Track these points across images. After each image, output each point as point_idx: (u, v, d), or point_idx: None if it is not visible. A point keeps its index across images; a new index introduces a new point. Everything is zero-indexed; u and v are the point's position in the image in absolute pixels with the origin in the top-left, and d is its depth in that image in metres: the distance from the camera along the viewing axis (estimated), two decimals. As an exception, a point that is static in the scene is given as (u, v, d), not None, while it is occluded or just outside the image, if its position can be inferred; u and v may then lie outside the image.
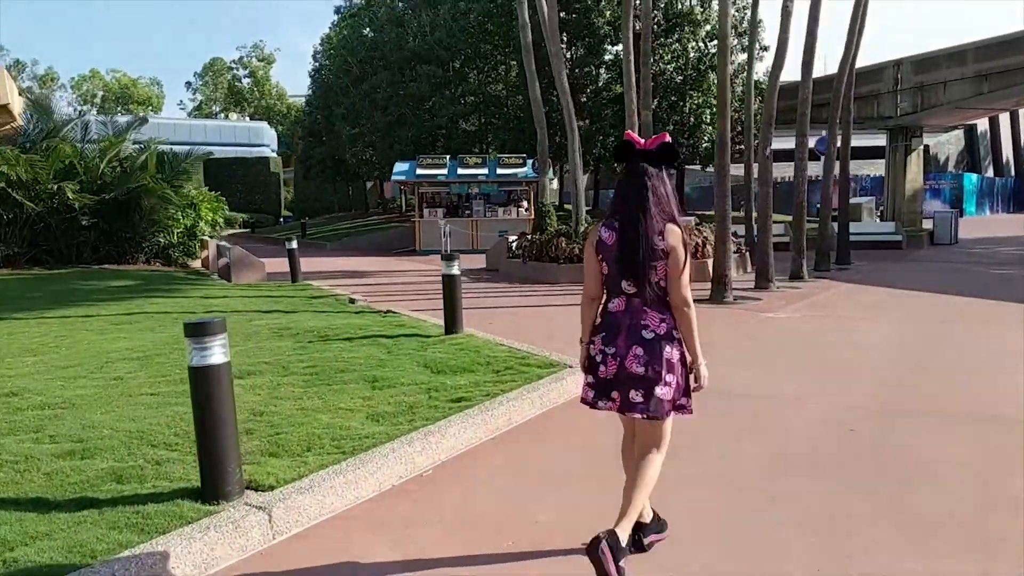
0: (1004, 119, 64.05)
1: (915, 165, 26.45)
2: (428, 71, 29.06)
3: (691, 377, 3.15)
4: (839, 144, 17.53)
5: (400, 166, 24.98)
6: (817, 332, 9.00)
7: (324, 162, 41.35)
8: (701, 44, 27.33)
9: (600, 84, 28.45)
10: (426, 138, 29.77)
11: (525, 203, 24.50)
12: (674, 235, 3.01)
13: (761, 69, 33.91)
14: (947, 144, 60.69)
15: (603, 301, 3.20)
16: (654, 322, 3.05)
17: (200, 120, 70.93)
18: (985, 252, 21.09)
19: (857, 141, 40.74)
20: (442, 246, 22.43)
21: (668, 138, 3.17)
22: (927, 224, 25.92)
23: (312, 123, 43.01)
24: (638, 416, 3.07)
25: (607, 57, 28.92)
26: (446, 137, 29.94)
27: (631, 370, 3.03)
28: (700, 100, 28.18)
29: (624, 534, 2.95)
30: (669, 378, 3.04)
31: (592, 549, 2.86)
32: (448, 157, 24.69)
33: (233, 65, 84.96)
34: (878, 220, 27.24)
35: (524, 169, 23.76)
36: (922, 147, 26.66)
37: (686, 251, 3.04)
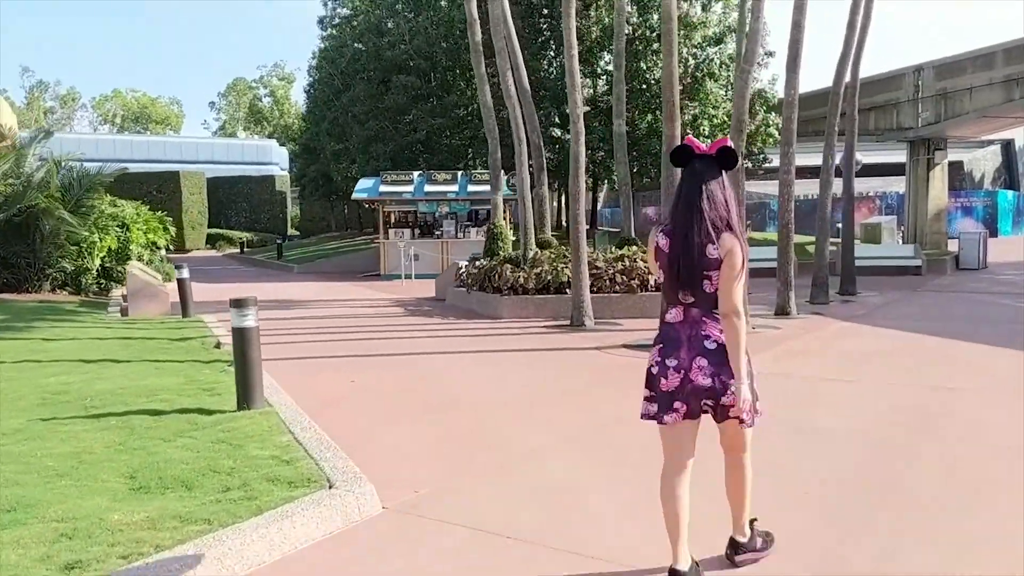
0: (1044, 133, 60.87)
1: (939, 181, 23.72)
2: (406, 82, 27.03)
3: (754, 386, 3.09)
4: (835, 156, 15.11)
5: (364, 183, 22.87)
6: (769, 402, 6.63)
7: (316, 180, 39.61)
8: (696, 50, 24.95)
9: (592, 95, 26.18)
10: (406, 153, 27.72)
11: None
12: (728, 242, 2.94)
13: (766, 77, 31.56)
14: (983, 160, 57.60)
15: (662, 311, 3.17)
16: (715, 332, 3.01)
17: (208, 139, 70.07)
18: (1017, 279, 18.40)
19: (882, 157, 38.16)
20: (403, 270, 20.30)
21: (729, 142, 3.07)
22: (953, 246, 23.20)
23: (306, 140, 41.34)
24: (720, 422, 3.09)
25: (598, 67, 26.68)
26: (427, 152, 27.85)
27: (696, 382, 2.98)
28: (698, 110, 25.82)
29: (746, 532, 3.27)
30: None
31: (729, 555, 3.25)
32: (417, 173, 22.54)
33: (254, 84, 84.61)
34: (900, 242, 24.58)
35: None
36: (946, 161, 23.90)
37: (743, 260, 2.95)
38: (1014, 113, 21.81)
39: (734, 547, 3.27)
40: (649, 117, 25.33)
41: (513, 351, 9.55)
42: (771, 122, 24.42)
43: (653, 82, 24.74)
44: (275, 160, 64.49)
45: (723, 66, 26.04)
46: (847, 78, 14.86)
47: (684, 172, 3.07)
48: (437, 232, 22.52)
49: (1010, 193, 43.75)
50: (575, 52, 11.69)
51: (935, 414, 6.01)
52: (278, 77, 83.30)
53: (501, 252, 14.85)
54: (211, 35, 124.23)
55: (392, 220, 23.06)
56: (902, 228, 26.46)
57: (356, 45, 29.10)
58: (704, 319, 3.01)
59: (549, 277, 12.98)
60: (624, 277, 12.85)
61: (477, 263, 14.70)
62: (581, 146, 11.83)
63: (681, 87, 25.67)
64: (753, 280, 11.04)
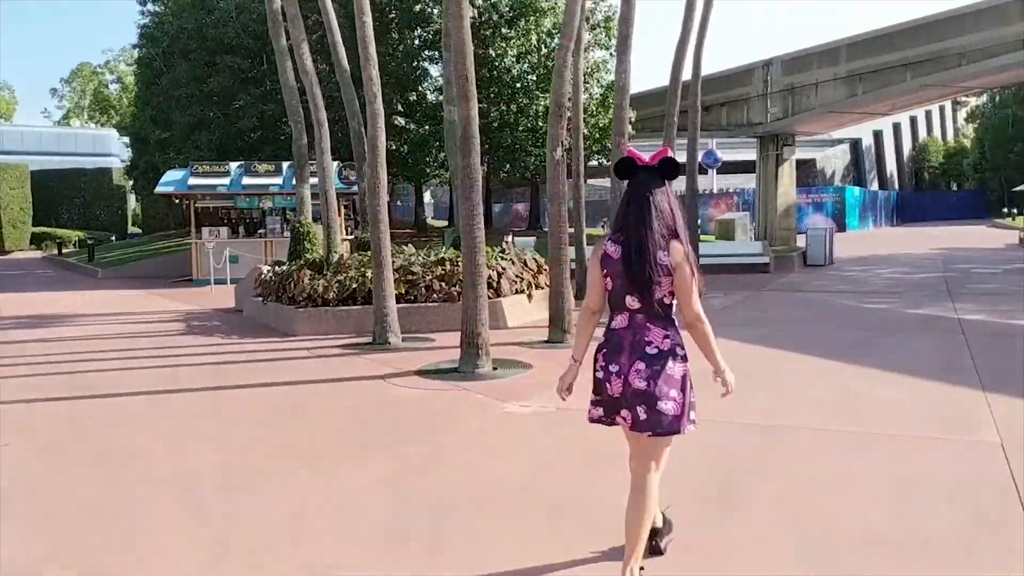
0: (888, 133, 64.10)
1: (787, 177, 23.46)
2: (233, 63, 24.44)
3: (694, 395, 3.13)
4: (698, 153, 14.08)
5: (171, 175, 20.20)
6: (545, 445, 5.13)
7: (147, 172, 35.98)
8: (547, 38, 23.70)
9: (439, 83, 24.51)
10: (237, 143, 25.13)
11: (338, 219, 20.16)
12: (678, 251, 3.00)
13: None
14: (834, 158, 59.98)
15: (608, 318, 3.19)
16: (657, 338, 3.05)
17: (35, 127, 63.74)
18: (861, 275, 18.08)
19: (745, 154, 38.44)
20: (212, 275, 17.94)
21: (670, 153, 3.12)
22: (803, 241, 22.98)
23: (137, 128, 37.56)
24: (645, 434, 3.04)
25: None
26: (262, 142, 25.34)
27: (634, 385, 3.00)
28: (550, 100, 24.63)
29: (635, 574, 3.03)
30: (673, 394, 3.01)
31: None
32: (236, 165, 20.10)
33: (100, 69, 77.85)
34: (752, 238, 24.21)
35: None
36: (794, 157, 23.67)
37: (691, 266, 3.01)
38: (857, 109, 21.73)
39: (654, 535, 3.22)
40: (502, 107, 23.89)
41: (276, 385, 7.70)
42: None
43: (504, 71, 23.32)
44: (115, 152, 59.44)
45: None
46: (688, 65, 13.84)
47: (630, 183, 3.11)
48: (261, 231, 20.21)
49: (856, 189, 45.33)
50: (367, 19, 10.00)
51: (746, 472, 4.64)
52: (127, 62, 77.20)
53: (309, 255, 12.94)
54: (56, 17, 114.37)
55: (214, 218, 20.53)
56: (755, 224, 26.24)
57: (178, 22, 26.17)
58: (648, 325, 3.05)
59: (355, 285, 11.17)
60: (444, 284, 11.23)
61: (278, 268, 12.72)
62: (380, 130, 10.11)
63: (534, 76, 24.51)
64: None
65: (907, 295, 13.99)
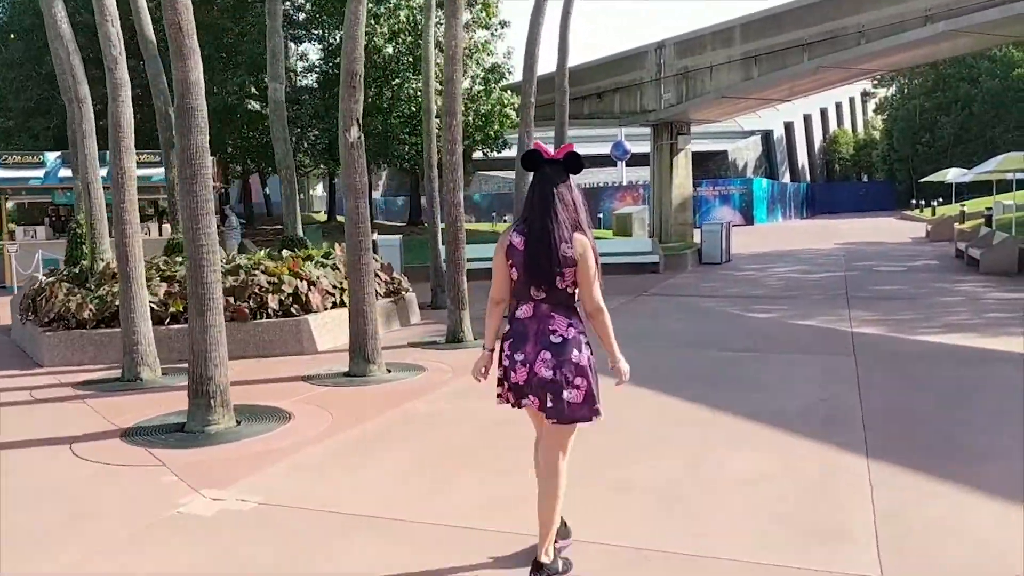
0: (799, 124, 64.14)
1: (683, 168, 21.87)
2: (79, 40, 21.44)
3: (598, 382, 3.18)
4: (625, 146, 12.19)
5: (-25, 167, 17.34)
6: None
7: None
8: (419, 17, 21.56)
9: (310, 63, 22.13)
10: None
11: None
12: (581, 243, 3.10)
13: (502, 49, 28.87)
14: (745, 150, 59.55)
15: (511, 308, 3.25)
16: (562, 327, 3.12)
17: None
18: (756, 275, 16.60)
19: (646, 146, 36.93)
20: (14, 283, 15.26)
21: (574, 147, 3.25)
22: (701, 237, 21.43)
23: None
24: (550, 421, 3.13)
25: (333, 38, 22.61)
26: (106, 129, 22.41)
27: (540, 374, 3.08)
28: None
29: (551, 554, 3.17)
30: (578, 381, 3.08)
31: None
32: (55, 155, 17.32)
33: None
34: (647, 235, 22.62)
35: (159, 170, 16.88)
36: (690, 147, 22.07)
37: (595, 258, 3.13)
38: (753, 93, 20.25)
39: (538, 569, 3.20)
40: (373, 92, 21.63)
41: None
42: (506, 101, 21.57)
43: (374, 51, 21.06)
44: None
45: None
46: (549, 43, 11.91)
47: (535, 176, 3.21)
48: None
49: (765, 181, 44.49)
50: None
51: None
52: None
53: (85, 263, 10.54)
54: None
55: (32, 215, 17.73)
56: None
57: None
58: (552, 315, 3.13)
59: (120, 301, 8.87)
60: (233, 299, 9.04)
61: (46, 279, 10.29)
62: (125, 105, 7.87)
63: (411, 58, 22.32)
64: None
65: (800, 300, 12.44)
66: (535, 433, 3.36)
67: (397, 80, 21.00)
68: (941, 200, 38.63)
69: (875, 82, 61.76)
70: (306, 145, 22.92)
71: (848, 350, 8.22)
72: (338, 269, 10.23)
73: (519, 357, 3.12)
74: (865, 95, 67.29)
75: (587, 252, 3.07)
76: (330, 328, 9.38)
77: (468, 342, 9.33)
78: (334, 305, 9.70)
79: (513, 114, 23.07)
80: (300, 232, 12.78)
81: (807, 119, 65.47)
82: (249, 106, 19.24)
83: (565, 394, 3.05)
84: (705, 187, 40.62)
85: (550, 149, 3.25)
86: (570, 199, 3.13)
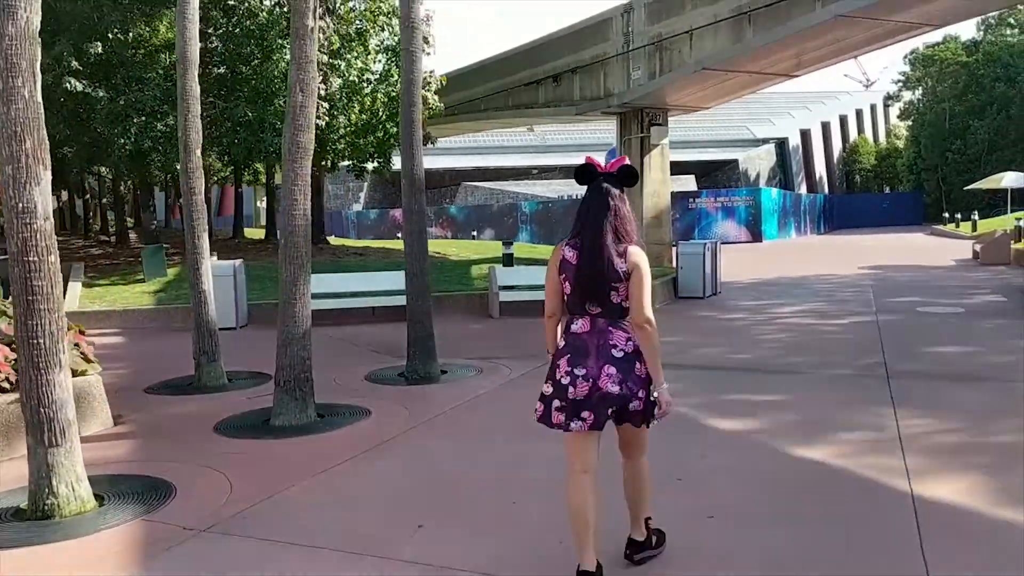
0: (816, 132, 58.95)
1: (658, 170, 16.53)
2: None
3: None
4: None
5: None
6: None
7: None
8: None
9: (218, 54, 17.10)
10: None
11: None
12: (635, 256, 3.09)
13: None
14: (758, 159, 54.43)
15: (566, 322, 3.23)
16: (621, 341, 3.12)
17: None
18: (748, 322, 11.39)
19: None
20: None
21: (627, 161, 3.26)
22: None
23: None
24: (635, 427, 3.23)
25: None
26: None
27: (605, 390, 3.07)
28: (356, 74, 17.53)
29: (642, 534, 3.41)
30: (641, 394, 3.13)
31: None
32: None
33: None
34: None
35: None
36: (666, 141, 16.65)
37: (645, 271, 3.13)
38: (745, 65, 14.90)
39: (633, 546, 3.39)
40: (241, 61, 16.75)
41: None
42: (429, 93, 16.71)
43: (246, 14, 16.07)
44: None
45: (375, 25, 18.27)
46: None
47: (589, 188, 3.20)
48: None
49: (775, 191, 38.81)
50: None
51: None
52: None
53: None
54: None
55: None
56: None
57: None
58: (610, 329, 3.13)
59: None
60: None
61: None
62: None
63: (286, 23, 17.47)
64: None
65: (810, 380, 7.24)
66: (569, 463, 3.23)
67: (277, 54, 16.04)
68: (978, 213, 33.02)
69: (899, 83, 56.47)
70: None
71: (915, 553, 3.00)
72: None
73: (580, 372, 3.08)
74: (888, 99, 61.88)
75: (640, 265, 3.09)
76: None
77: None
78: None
79: (441, 105, 18.15)
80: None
81: (825, 127, 60.32)
82: (68, 84, 14.27)
83: (632, 406, 3.12)
84: (705, 198, 35.17)
85: (601, 162, 3.24)
86: (624, 212, 3.13)
